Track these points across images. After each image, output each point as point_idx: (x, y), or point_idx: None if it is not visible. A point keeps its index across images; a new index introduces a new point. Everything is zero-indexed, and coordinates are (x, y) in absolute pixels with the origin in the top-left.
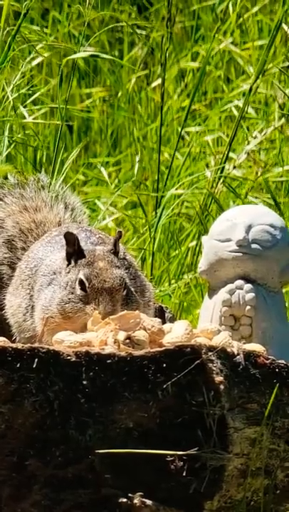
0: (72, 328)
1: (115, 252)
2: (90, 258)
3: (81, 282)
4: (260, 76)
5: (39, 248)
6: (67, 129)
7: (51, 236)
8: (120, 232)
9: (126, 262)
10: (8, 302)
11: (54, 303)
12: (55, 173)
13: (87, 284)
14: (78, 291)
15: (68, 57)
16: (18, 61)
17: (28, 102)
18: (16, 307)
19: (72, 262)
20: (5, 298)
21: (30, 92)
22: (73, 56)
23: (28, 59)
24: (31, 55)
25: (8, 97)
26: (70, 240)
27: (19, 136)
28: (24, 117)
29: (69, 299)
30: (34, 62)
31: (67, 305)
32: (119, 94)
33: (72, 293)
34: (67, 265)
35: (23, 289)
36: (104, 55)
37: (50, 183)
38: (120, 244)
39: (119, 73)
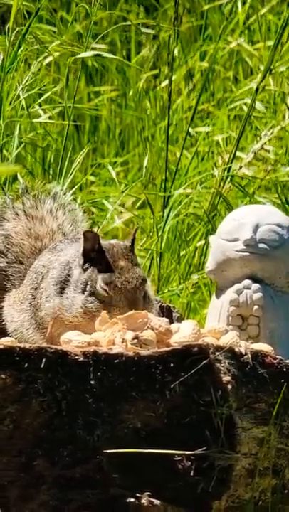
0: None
1: (132, 248)
2: (110, 257)
3: (104, 284)
4: (268, 75)
5: (41, 259)
6: (75, 130)
7: (53, 246)
8: (137, 227)
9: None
10: (9, 317)
11: (76, 304)
12: (63, 174)
13: (111, 286)
14: (101, 292)
15: (75, 57)
16: (28, 61)
17: (39, 101)
18: (20, 323)
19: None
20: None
21: (40, 91)
22: (79, 56)
23: (40, 59)
24: (42, 56)
25: (18, 97)
26: (90, 237)
27: (28, 136)
28: (34, 118)
29: (92, 299)
30: (45, 62)
31: (91, 305)
32: (130, 92)
33: (93, 293)
34: (84, 262)
35: (27, 301)
36: (110, 55)
37: (56, 193)
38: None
39: (128, 73)
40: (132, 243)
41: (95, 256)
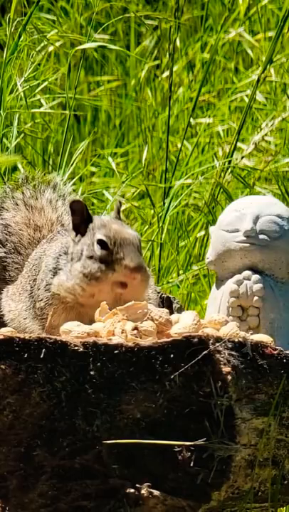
0: (94, 302)
1: (119, 218)
2: (101, 222)
3: (101, 242)
4: (269, 66)
5: (39, 250)
6: (76, 121)
7: (51, 237)
8: (120, 202)
9: None
10: (6, 307)
11: (75, 270)
12: (64, 165)
13: (108, 242)
14: (99, 252)
15: (76, 48)
16: (29, 51)
17: (37, 91)
18: (18, 313)
19: (82, 230)
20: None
21: (39, 81)
22: (82, 47)
23: (38, 48)
24: (41, 45)
25: (18, 88)
26: (78, 208)
27: (28, 127)
28: (34, 108)
29: (91, 263)
30: (45, 52)
31: (91, 266)
32: (132, 82)
33: (92, 256)
34: (76, 235)
35: (26, 292)
36: (113, 46)
37: (56, 184)
38: None
39: (128, 63)
40: (117, 213)
41: (84, 226)
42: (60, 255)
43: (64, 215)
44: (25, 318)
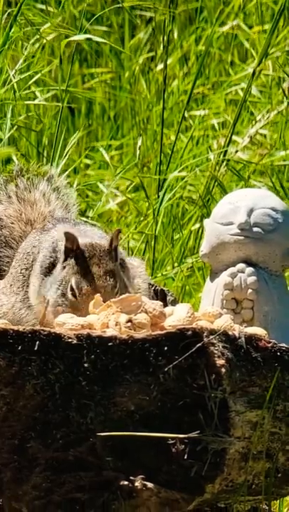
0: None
1: (110, 251)
2: (84, 262)
3: (72, 288)
4: (264, 59)
5: (30, 240)
6: (69, 113)
7: (41, 227)
8: (119, 230)
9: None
10: None
11: (51, 300)
12: (57, 157)
13: (77, 292)
14: (70, 296)
15: (66, 40)
16: (20, 43)
17: (30, 83)
18: (10, 306)
19: (69, 260)
20: None
21: (31, 72)
22: (73, 38)
23: (32, 40)
24: (34, 38)
25: (10, 80)
26: (70, 238)
27: (22, 119)
28: (27, 100)
29: (62, 301)
30: (38, 44)
31: (59, 307)
32: (126, 74)
33: (64, 295)
34: (64, 260)
35: (18, 282)
36: (102, 40)
37: (51, 176)
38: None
39: (123, 55)
40: (110, 246)
41: (73, 257)
42: (53, 252)
43: (57, 209)
44: (20, 309)
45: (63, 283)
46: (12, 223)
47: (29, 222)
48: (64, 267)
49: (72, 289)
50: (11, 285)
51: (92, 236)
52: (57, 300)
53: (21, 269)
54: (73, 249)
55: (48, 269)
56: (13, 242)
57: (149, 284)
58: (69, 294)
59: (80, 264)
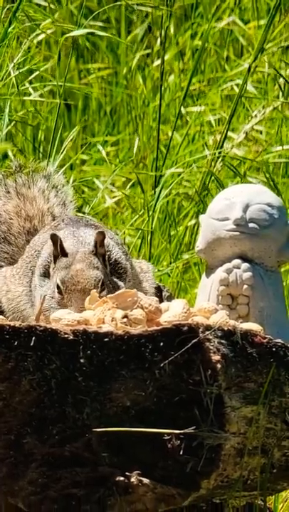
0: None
1: (96, 252)
2: (68, 261)
3: (57, 286)
4: (260, 55)
5: (42, 236)
6: (66, 108)
7: (55, 225)
8: (102, 232)
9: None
10: (4, 286)
11: (37, 300)
12: (54, 152)
13: (62, 288)
14: (56, 295)
15: (66, 35)
16: (19, 39)
17: (29, 79)
18: (17, 295)
19: (56, 265)
20: None
21: (31, 68)
22: (72, 34)
23: (32, 36)
24: (35, 33)
25: (9, 74)
26: (55, 241)
27: (19, 114)
28: (24, 95)
29: (50, 304)
30: (36, 40)
31: (47, 312)
32: (124, 71)
33: (53, 297)
34: (53, 268)
35: (27, 277)
36: (104, 33)
37: (49, 173)
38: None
39: (119, 51)
40: (94, 246)
41: (59, 259)
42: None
43: (55, 206)
44: (25, 303)
45: (52, 286)
46: (11, 219)
47: (28, 218)
48: (54, 273)
49: (58, 287)
50: (19, 277)
51: (82, 238)
52: (48, 302)
53: (31, 266)
54: (58, 252)
55: (44, 275)
56: (12, 237)
57: (156, 287)
58: (55, 293)
59: (64, 263)
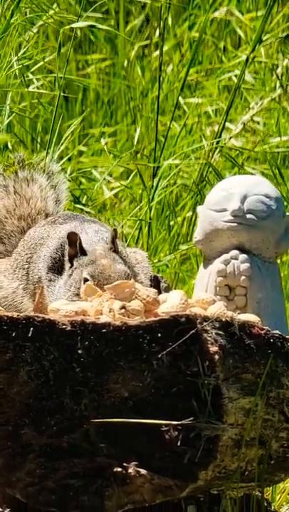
0: None
1: (115, 249)
2: (91, 257)
3: (86, 281)
4: (258, 46)
5: (38, 230)
6: (64, 99)
7: (53, 220)
8: (115, 229)
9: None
10: None
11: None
12: (53, 144)
13: (93, 282)
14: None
15: (65, 27)
16: (20, 31)
17: (32, 70)
18: (12, 291)
19: (75, 263)
20: None
21: (31, 61)
22: (70, 26)
23: (35, 27)
24: (38, 24)
25: (10, 66)
26: (73, 240)
27: (18, 106)
28: (24, 87)
29: (74, 301)
30: (35, 30)
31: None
32: (125, 62)
33: (78, 294)
34: (70, 267)
35: (23, 270)
36: (104, 27)
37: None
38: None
39: (119, 42)
40: (112, 243)
41: (79, 257)
42: (57, 251)
43: (50, 204)
44: (22, 297)
45: (74, 284)
46: (5, 218)
47: (22, 218)
48: (71, 274)
49: (86, 280)
50: (14, 270)
51: (94, 234)
52: (69, 300)
53: (27, 258)
54: (77, 252)
55: (52, 270)
56: (5, 237)
57: (154, 278)
58: (82, 288)
59: (87, 260)
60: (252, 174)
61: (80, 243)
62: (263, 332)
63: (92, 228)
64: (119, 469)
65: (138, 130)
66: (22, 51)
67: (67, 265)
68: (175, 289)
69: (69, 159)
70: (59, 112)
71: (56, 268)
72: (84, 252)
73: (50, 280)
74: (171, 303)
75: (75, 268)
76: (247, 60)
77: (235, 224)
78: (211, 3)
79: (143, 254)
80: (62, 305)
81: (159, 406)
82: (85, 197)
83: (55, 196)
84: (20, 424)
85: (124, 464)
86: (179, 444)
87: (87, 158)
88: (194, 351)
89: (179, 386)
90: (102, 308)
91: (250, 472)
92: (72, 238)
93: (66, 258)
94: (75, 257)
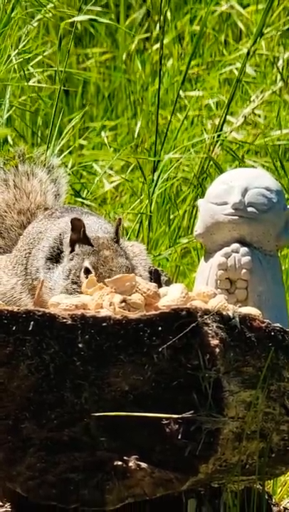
0: None
1: (117, 240)
2: (95, 247)
3: (87, 270)
4: (259, 39)
5: (37, 225)
6: (64, 93)
7: (50, 213)
8: (120, 219)
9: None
10: None
11: (57, 289)
12: (53, 138)
13: (93, 273)
14: (83, 280)
15: (67, 21)
16: (20, 24)
17: (32, 63)
18: (10, 287)
19: (76, 249)
20: None
21: (31, 55)
22: (71, 20)
23: (34, 21)
24: (37, 17)
25: (10, 60)
26: (77, 226)
27: (18, 100)
28: (24, 81)
29: (73, 288)
30: (36, 24)
31: (71, 291)
32: (122, 54)
33: (76, 282)
34: (70, 252)
35: (22, 266)
36: (105, 20)
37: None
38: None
39: (119, 35)
40: (115, 233)
41: (81, 244)
42: (55, 242)
43: (50, 198)
44: (21, 293)
45: (73, 271)
46: (5, 212)
47: (22, 212)
48: (72, 258)
49: (87, 271)
50: (13, 266)
51: (94, 224)
52: (67, 287)
53: (26, 253)
54: (80, 237)
55: (51, 259)
56: (5, 231)
57: (154, 271)
58: (82, 277)
59: (89, 249)
60: (253, 167)
61: (84, 230)
62: (263, 325)
63: (92, 219)
64: (120, 463)
65: (139, 124)
66: (22, 45)
67: (67, 250)
68: (176, 282)
69: (70, 153)
70: (59, 106)
71: (54, 257)
72: (87, 240)
73: (48, 268)
74: (171, 296)
75: (76, 254)
76: (248, 53)
77: (236, 217)
78: None
79: (141, 247)
80: (63, 299)
81: (159, 399)
82: (86, 191)
83: (55, 190)
84: (21, 418)
85: (125, 458)
86: (179, 437)
87: (88, 151)
88: (195, 344)
89: (179, 379)
90: (103, 302)
91: (250, 465)
92: (76, 224)
93: (66, 242)
94: (77, 243)
